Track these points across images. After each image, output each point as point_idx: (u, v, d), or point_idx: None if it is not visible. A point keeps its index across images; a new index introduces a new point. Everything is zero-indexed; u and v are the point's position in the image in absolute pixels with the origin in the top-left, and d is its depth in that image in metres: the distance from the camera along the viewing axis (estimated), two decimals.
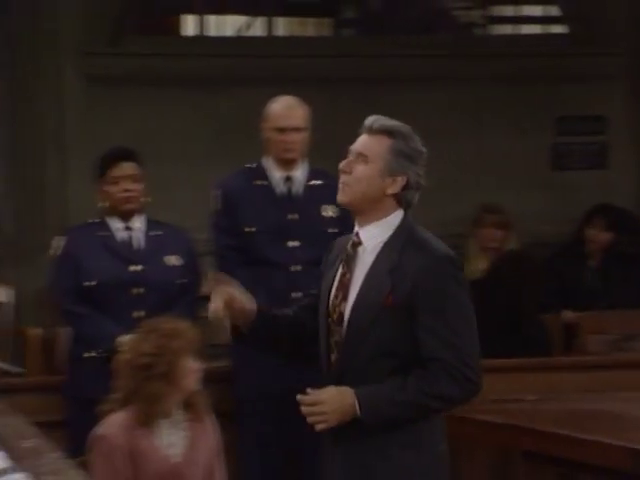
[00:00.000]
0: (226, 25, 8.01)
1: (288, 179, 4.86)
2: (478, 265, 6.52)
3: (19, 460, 2.50)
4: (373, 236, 3.22)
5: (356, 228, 3.24)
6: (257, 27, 7.95)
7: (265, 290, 4.67)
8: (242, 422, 4.75)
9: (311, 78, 6.77)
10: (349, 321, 3.18)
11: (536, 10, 8.28)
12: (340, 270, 3.24)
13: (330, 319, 3.22)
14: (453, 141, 7.37)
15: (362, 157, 3.20)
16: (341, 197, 3.24)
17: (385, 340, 3.16)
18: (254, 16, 7.94)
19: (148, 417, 3.95)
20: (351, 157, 3.22)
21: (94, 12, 6.97)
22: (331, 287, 3.24)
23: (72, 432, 4.52)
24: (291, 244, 4.78)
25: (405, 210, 3.22)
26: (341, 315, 3.20)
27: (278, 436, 4.73)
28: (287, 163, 4.84)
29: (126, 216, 4.81)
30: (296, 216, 4.81)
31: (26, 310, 6.65)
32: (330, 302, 3.23)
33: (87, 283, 4.72)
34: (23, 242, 6.80)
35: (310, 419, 3.13)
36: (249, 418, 4.76)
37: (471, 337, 3.22)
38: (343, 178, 3.22)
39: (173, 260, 4.81)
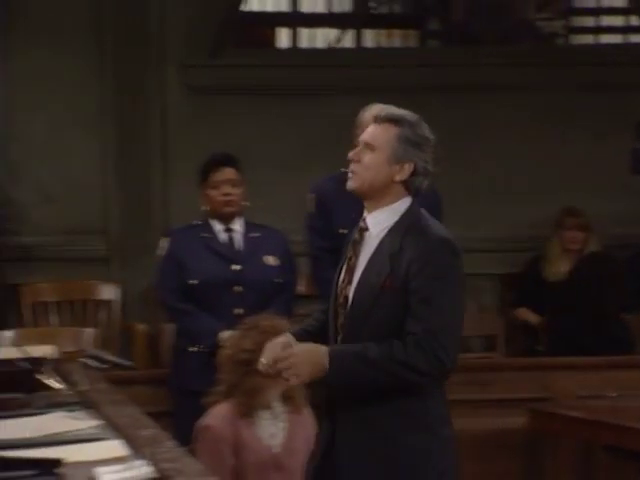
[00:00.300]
0: (318, 38, 8.01)
1: None
2: (560, 267, 6.46)
3: (138, 448, 2.51)
4: (379, 222, 3.17)
5: (364, 214, 3.21)
6: (347, 39, 7.94)
7: None
8: None
9: (398, 87, 6.73)
10: (352, 303, 3.15)
11: (616, 20, 8.17)
12: (348, 255, 3.22)
13: (337, 302, 3.19)
14: (535, 146, 7.30)
15: (369, 146, 3.16)
16: (350, 184, 3.19)
17: (384, 322, 3.10)
18: (344, 29, 7.93)
19: (249, 409, 3.98)
20: (359, 147, 3.19)
21: (195, 28, 7.02)
22: (341, 272, 3.22)
23: (177, 422, 4.57)
24: None
25: (413, 196, 3.19)
26: (346, 298, 3.17)
27: None
28: None
29: (226, 219, 4.84)
30: None
31: (132, 307, 6.74)
32: (338, 286, 3.20)
33: (190, 281, 4.76)
34: (129, 244, 6.85)
35: (282, 372, 3.08)
36: None
37: (453, 318, 3.12)
38: (352, 167, 3.18)
39: (270, 260, 4.83)
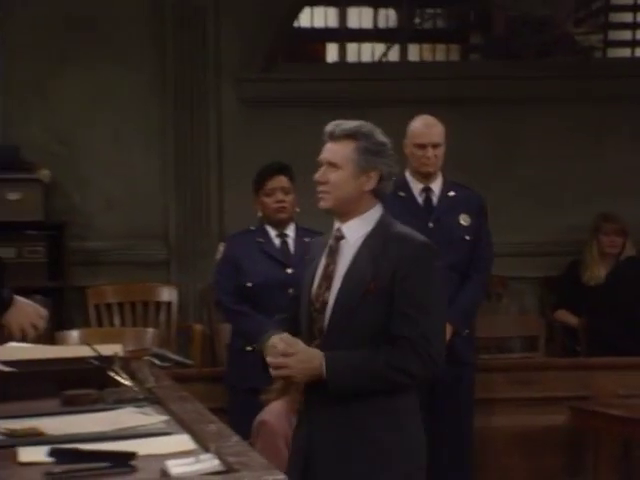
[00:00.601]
0: (364, 52, 8.01)
1: (427, 190, 4.84)
2: (598, 271, 6.42)
3: (204, 442, 2.51)
4: (355, 230, 3.14)
5: (337, 224, 3.17)
6: (392, 53, 7.94)
7: None
8: None
9: (441, 99, 6.72)
10: (333, 308, 3.11)
11: None
12: (323, 262, 3.17)
13: (312, 307, 3.15)
14: (574, 155, 7.25)
15: (333, 165, 3.12)
16: (323, 204, 3.15)
17: (368, 325, 3.08)
18: (389, 43, 7.93)
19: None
20: (323, 167, 3.14)
21: (250, 44, 7.03)
22: (313, 279, 3.17)
23: (231, 419, 4.57)
24: None
25: (382, 201, 3.18)
26: (324, 303, 3.13)
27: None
28: (426, 176, 4.82)
29: (279, 224, 4.85)
30: (434, 224, 4.78)
31: (189, 308, 6.76)
32: (313, 292, 3.16)
33: (246, 284, 4.77)
34: (187, 248, 6.88)
35: (274, 371, 3.09)
36: None
37: (439, 320, 3.15)
38: (321, 188, 3.14)
39: None
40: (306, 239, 4.85)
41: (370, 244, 3.11)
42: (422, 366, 3.07)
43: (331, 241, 3.18)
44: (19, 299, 2.74)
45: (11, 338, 2.85)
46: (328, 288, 3.14)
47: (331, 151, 3.14)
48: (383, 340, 3.07)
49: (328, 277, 3.15)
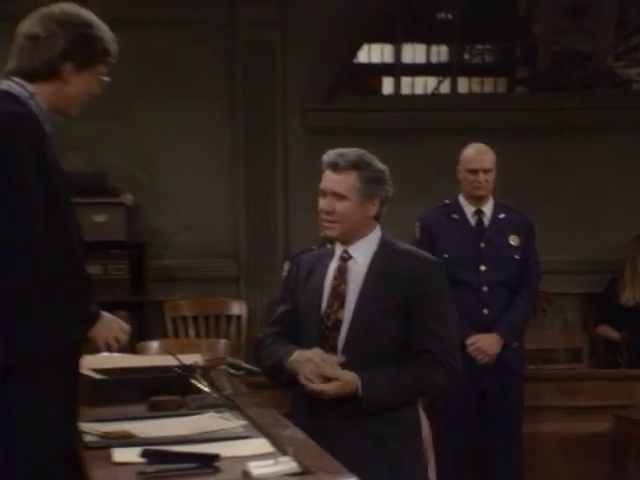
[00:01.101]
0: (418, 85, 8.01)
1: (479, 213, 4.82)
2: (633, 292, 6.33)
3: (281, 446, 2.50)
4: (362, 251, 3.10)
5: (341, 247, 3.12)
6: (443, 86, 7.93)
7: (458, 308, 4.63)
8: (441, 417, 4.68)
9: (489, 129, 6.68)
10: (350, 326, 3.05)
11: None
12: (329, 282, 3.10)
13: (324, 326, 3.08)
14: (613, 180, 7.19)
15: (338, 196, 3.04)
16: (331, 233, 3.09)
17: (385, 340, 3.04)
18: (441, 77, 7.92)
19: None
20: (327, 197, 3.07)
21: (314, 77, 7.06)
22: (320, 298, 3.10)
23: (295, 423, 4.56)
24: (482, 268, 4.72)
25: (379, 222, 3.14)
26: (337, 321, 3.06)
27: (467, 428, 4.68)
28: (478, 199, 4.79)
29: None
30: (486, 245, 4.76)
31: (257, 321, 6.77)
32: (323, 310, 3.08)
33: None
34: (255, 266, 6.90)
35: (310, 391, 3.00)
36: (447, 414, 4.70)
37: (455, 331, 3.12)
38: (328, 218, 3.07)
39: None
40: None
41: (379, 263, 3.08)
42: (448, 378, 3.07)
43: (338, 262, 3.12)
44: (105, 314, 2.77)
45: (97, 350, 2.87)
46: (341, 307, 3.08)
47: (336, 182, 3.06)
48: (400, 354, 3.04)
49: (340, 296, 3.09)
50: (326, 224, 3.09)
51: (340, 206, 3.05)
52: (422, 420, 4.02)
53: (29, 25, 2.69)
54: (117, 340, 2.75)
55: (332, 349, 3.07)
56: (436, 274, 3.09)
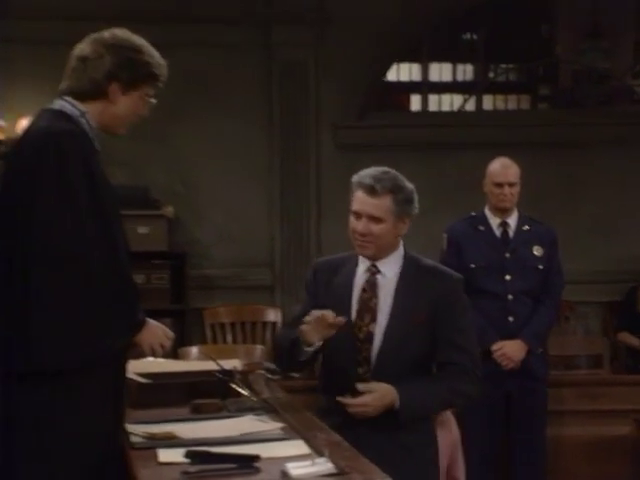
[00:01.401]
0: (445, 102, 8.01)
1: (504, 224, 4.79)
2: None
3: (317, 447, 2.50)
4: (390, 266, 3.09)
5: (368, 261, 3.09)
6: (469, 103, 7.92)
7: (484, 316, 4.63)
8: (467, 420, 4.65)
9: (513, 144, 6.65)
10: (384, 338, 3.03)
11: None
12: (360, 294, 3.08)
13: (355, 338, 3.04)
14: (631, 193, 7.15)
15: (375, 219, 3.01)
16: (366, 252, 3.06)
17: (416, 353, 3.04)
18: (467, 95, 7.91)
19: None
20: (363, 219, 3.03)
21: (345, 95, 7.07)
22: (348, 309, 3.07)
23: None
24: (507, 277, 4.69)
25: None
26: (370, 334, 3.04)
27: (493, 431, 4.65)
28: (503, 211, 4.76)
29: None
30: (510, 255, 4.73)
31: None
32: (353, 322, 3.06)
33: None
34: (289, 275, 6.90)
35: (352, 409, 2.97)
36: (472, 417, 4.67)
37: (476, 342, 3.15)
38: (364, 239, 3.03)
39: None
40: None
41: (406, 278, 3.07)
42: (475, 388, 3.10)
43: (366, 275, 3.10)
44: (151, 321, 2.78)
45: (142, 355, 2.88)
46: (374, 320, 3.07)
47: (372, 206, 3.01)
48: (427, 366, 3.07)
49: (371, 310, 3.08)
50: (362, 244, 3.07)
51: (376, 228, 3.03)
52: (451, 421, 4.02)
53: (81, 48, 2.72)
54: (162, 346, 2.76)
55: (365, 360, 3.07)
56: (459, 289, 3.12)
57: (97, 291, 2.54)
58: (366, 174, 3.07)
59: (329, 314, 2.94)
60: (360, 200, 3.05)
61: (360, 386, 3.00)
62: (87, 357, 2.56)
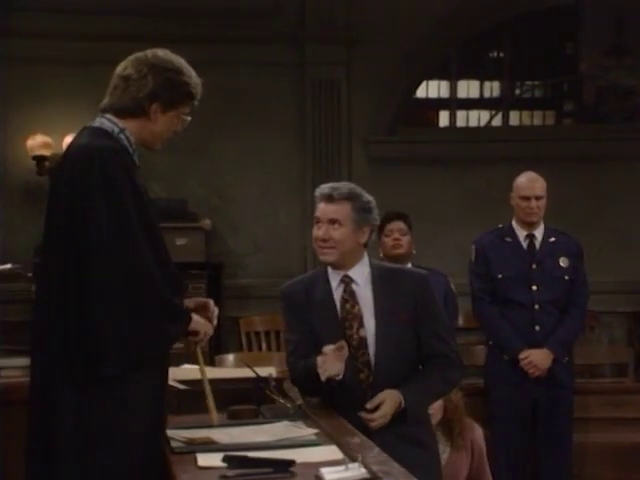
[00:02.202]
0: (472, 118, 7.97)
1: (530, 236, 4.76)
2: None
3: (350, 453, 2.49)
4: (360, 274, 3.13)
5: (337, 272, 3.13)
6: (496, 119, 7.88)
7: (511, 325, 4.61)
8: (494, 428, 4.63)
9: (538, 158, 6.63)
10: (376, 341, 3.07)
11: None
12: (342, 306, 3.12)
13: (350, 347, 3.05)
14: None
15: (334, 222, 3.06)
16: (328, 258, 3.10)
17: (407, 350, 3.11)
18: (493, 111, 7.88)
19: None
20: (324, 225, 3.08)
21: (376, 111, 7.09)
22: (336, 322, 3.10)
23: None
24: (533, 288, 4.66)
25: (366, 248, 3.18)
26: (362, 340, 3.08)
27: (520, 438, 4.61)
28: (530, 224, 4.73)
29: (397, 262, 4.73)
30: (537, 266, 4.70)
31: None
32: (345, 333, 3.08)
33: None
34: None
35: (374, 423, 2.98)
36: (500, 424, 4.64)
37: (451, 330, 3.30)
38: (325, 244, 3.08)
39: None
40: None
41: (378, 282, 3.12)
42: (460, 372, 3.23)
43: (342, 286, 3.14)
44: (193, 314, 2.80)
45: (200, 341, 2.85)
46: (362, 326, 3.11)
47: (332, 211, 3.08)
48: (415, 359, 3.14)
49: (356, 316, 3.12)
50: (324, 250, 3.12)
51: (336, 233, 3.08)
52: (476, 431, 3.99)
53: (124, 67, 2.74)
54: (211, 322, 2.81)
55: (365, 365, 3.10)
56: (429, 285, 3.20)
57: (155, 294, 2.59)
58: (325, 186, 3.15)
59: (344, 344, 2.99)
60: (320, 208, 3.13)
61: (370, 405, 3.02)
62: (154, 351, 2.62)
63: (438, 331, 3.14)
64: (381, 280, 3.13)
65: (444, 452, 3.89)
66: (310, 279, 3.25)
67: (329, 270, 3.17)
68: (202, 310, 2.80)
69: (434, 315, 3.15)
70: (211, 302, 2.85)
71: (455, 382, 3.26)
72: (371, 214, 3.14)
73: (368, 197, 3.16)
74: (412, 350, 3.12)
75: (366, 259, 3.17)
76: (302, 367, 3.09)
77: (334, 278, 3.16)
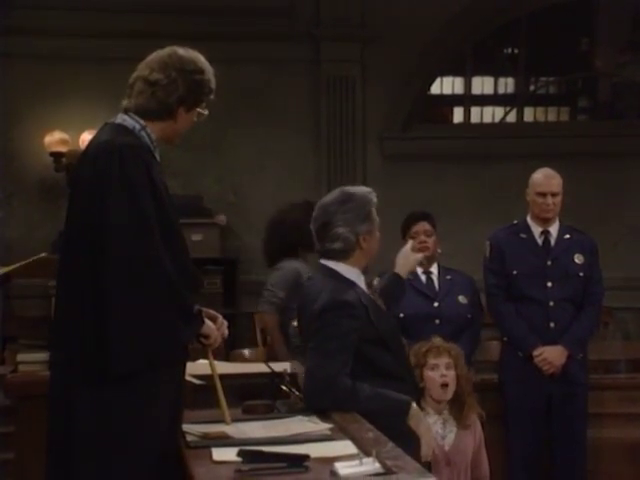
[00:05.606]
0: (486, 114, 7.95)
1: (545, 233, 4.74)
2: None
3: (364, 448, 2.48)
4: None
5: (364, 277, 3.27)
6: (510, 115, 7.86)
7: (526, 321, 4.59)
8: (510, 424, 4.62)
9: (553, 154, 6.60)
10: None
11: None
12: (382, 304, 3.29)
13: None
14: None
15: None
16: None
17: None
18: (508, 107, 7.85)
19: None
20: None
21: (391, 108, 7.09)
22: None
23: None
24: (548, 284, 4.64)
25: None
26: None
27: (534, 434, 4.60)
28: (545, 221, 4.70)
29: (423, 263, 4.73)
30: (552, 262, 4.68)
31: None
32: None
33: (399, 315, 4.56)
34: None
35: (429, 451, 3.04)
36: (515, 420, 4.62)
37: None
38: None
39: (462, 299, 4.74)
40: (448, 277, 4.76)
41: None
42: None
43: (369, 290, 3.28)
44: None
45: (211, 345, 2.85)
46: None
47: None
48: None
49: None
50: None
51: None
52: (476, 424, 4.00)
53: (149, 70, 2.72)
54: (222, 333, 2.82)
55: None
56: None
57: (171, 292, 2.58)
58: None
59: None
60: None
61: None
62: (165, 354, 2.60)
63: None
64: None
65: (451, 432, 3.92)
66: (353, 290, 3.22)
67: (359, 275, 3.29)
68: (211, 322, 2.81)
69: None
70: (220, 317, 2.86)
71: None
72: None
73: None
74: None
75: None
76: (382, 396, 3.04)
77: (364, 281, 3.34)
